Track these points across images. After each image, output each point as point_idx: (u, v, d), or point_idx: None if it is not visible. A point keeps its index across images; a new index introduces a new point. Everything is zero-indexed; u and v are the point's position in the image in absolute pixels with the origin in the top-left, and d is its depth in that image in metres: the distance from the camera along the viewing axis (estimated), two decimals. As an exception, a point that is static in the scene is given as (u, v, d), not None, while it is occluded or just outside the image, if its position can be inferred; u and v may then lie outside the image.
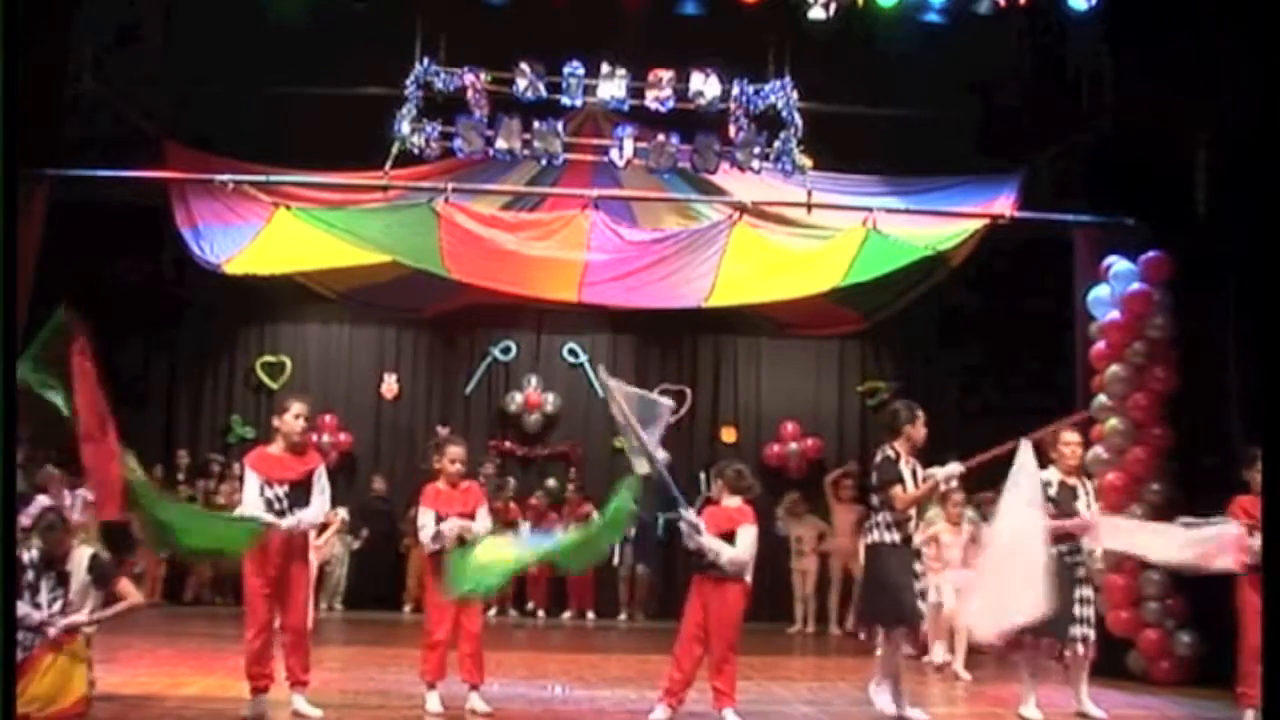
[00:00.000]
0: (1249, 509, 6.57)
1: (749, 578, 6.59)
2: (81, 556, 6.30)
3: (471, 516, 6.80)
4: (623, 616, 13.32)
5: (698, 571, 6.62)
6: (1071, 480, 7.24)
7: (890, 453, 6.82)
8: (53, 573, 6.19)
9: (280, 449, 6.55)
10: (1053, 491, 7.18)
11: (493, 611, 12.61)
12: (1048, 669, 7.25)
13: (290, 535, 6.38)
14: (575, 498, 13.42)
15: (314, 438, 11.52)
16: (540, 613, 13.15)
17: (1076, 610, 7.06)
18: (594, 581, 13.19)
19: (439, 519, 6.73)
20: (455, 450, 6.96)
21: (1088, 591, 7.17)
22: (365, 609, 12.98)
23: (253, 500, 6.36)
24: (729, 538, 6.49)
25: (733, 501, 6.66)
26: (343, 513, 13.02)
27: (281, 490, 6.37)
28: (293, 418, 6.52)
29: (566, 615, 13.28)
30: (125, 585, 6.37)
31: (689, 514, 6.48)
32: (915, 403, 7.10)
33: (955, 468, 6.84)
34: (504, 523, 12.25)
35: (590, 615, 13.29)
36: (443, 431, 13.10)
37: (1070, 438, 7.30)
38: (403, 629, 10.36)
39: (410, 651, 8.42)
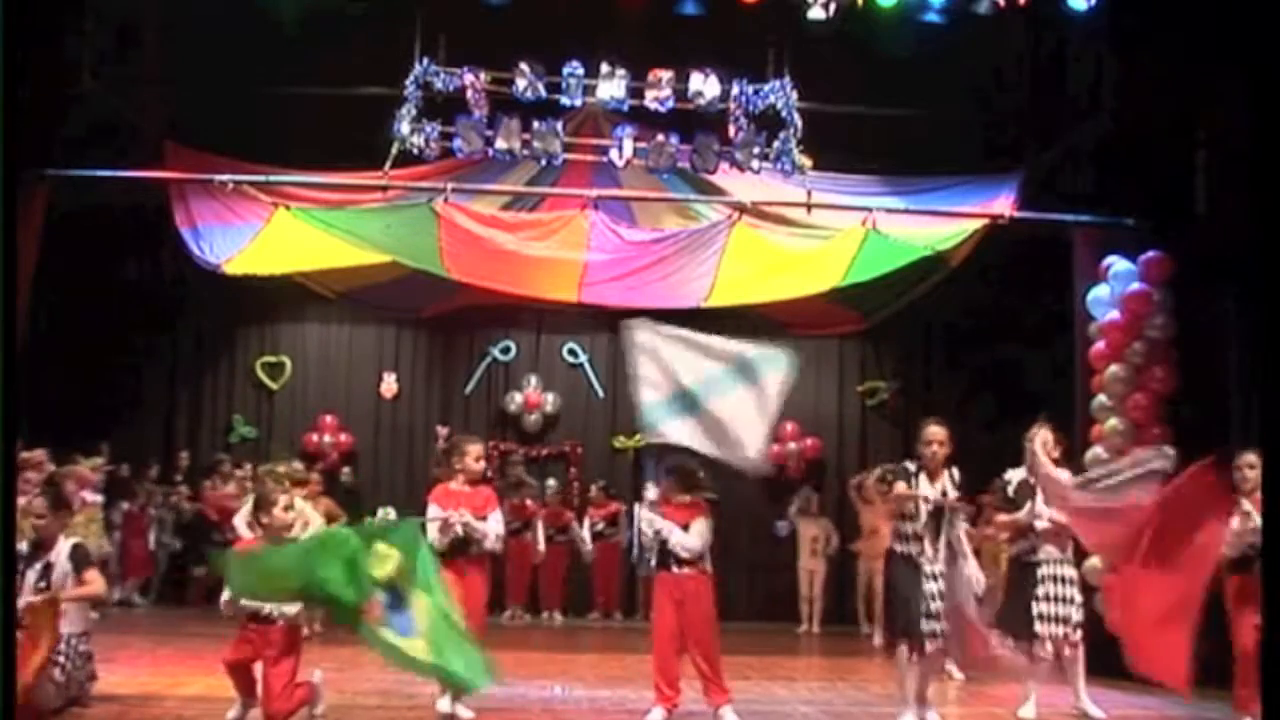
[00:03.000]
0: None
1: (708, 567, 6.65)
2: (64, 546, 6.32)
3: (483, 518, 6.70)
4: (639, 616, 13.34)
5: (661, 569, 6.66)
6: (1034, 480, 7.10)
7: (909, 464, 6.67)
8: (37, 564, 6.19)
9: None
10: (1011, 490, 7.17)
11: (507, 614, 12.63)
12: (1035, 670, 7.20)
13: None
14: (600, 497, 13.49)
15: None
16: (557, 615, 13.16)
17: (1046, 609, 7.01)
18: (619, 583, 13.44)
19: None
20: (475, 448, 6.86)
21: (1058, 590, 7.06)
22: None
23: None
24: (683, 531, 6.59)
25: (684, 499, 6.71)
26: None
27: None
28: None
29: (593, 616, 13.32)
30: (91, 573, 6.35)
31: (648, 500, 6.57)
32: (927, 418, 6.88)
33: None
34: (522, 521, 12.29)
35: (618, 615, 13.35)
36: (443, 432, 13.14)
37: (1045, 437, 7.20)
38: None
39: (410, 652, 8.43)
